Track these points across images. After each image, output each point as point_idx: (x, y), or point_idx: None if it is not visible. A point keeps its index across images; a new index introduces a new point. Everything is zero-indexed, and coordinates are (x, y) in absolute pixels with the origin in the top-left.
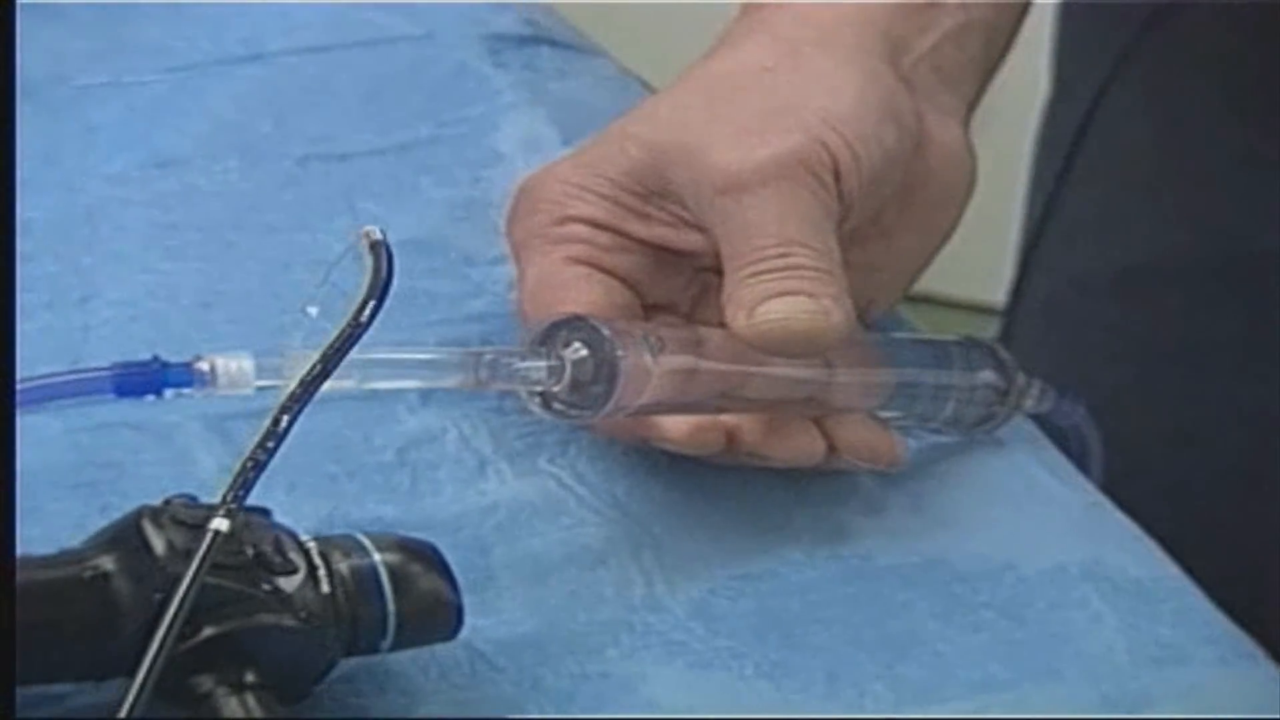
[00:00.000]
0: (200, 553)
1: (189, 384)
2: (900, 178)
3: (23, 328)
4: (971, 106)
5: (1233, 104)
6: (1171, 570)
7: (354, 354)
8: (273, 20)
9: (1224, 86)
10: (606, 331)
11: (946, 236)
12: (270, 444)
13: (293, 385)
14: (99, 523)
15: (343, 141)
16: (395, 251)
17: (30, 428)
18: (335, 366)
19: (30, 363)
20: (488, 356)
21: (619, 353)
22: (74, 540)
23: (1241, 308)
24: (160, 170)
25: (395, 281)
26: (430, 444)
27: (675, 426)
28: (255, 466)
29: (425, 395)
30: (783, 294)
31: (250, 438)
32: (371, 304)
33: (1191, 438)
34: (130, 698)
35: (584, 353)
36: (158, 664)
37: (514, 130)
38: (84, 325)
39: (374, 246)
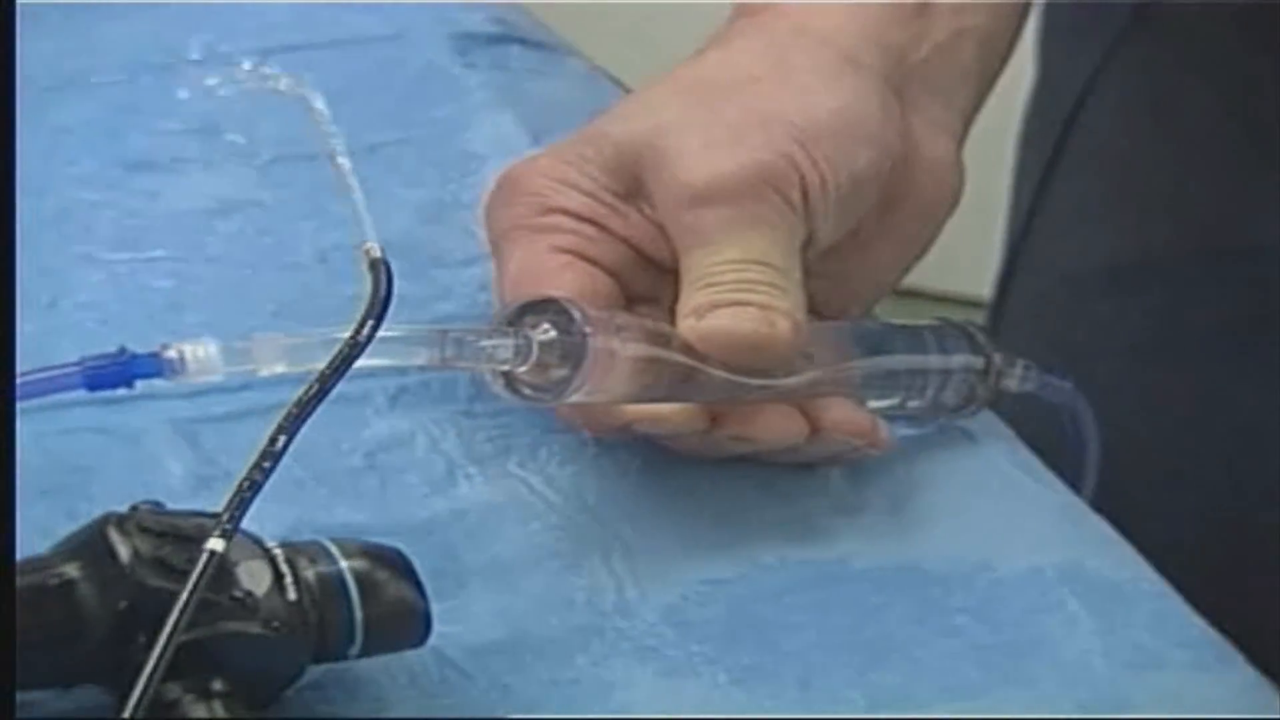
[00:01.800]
0: (196, 573)
1: (158, 373)
2: (876, 197)
3: None
4: (967, 117)
5: (1220, 98)
6: (1148, 573)
7: (319, 333)
8: (242, 20)
9: (1211, 80)
10: (576, 314)
11: (925, 248)
12: (267, 464)
13: (289, 405)
14: (67, 527)
15: (310, 143)
16: (363, 256)
17: None
18: (334, 386)
19: None
20: (454, 334)
21: (587, 332)
22: (42, 545)
23: (1233, 302)
24: (128, 172)
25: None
26: (399, 448)
27: (657, 405)
28: (252, 487)
29: (393, 398)
30: (733, 304)
31: (218, 442)
32: (370, 323)
33: (1182, 433)
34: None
35: (552, 334)
36: (153, 683)
37: (483, 131)
38: (52, 328)
39: (373, 265)
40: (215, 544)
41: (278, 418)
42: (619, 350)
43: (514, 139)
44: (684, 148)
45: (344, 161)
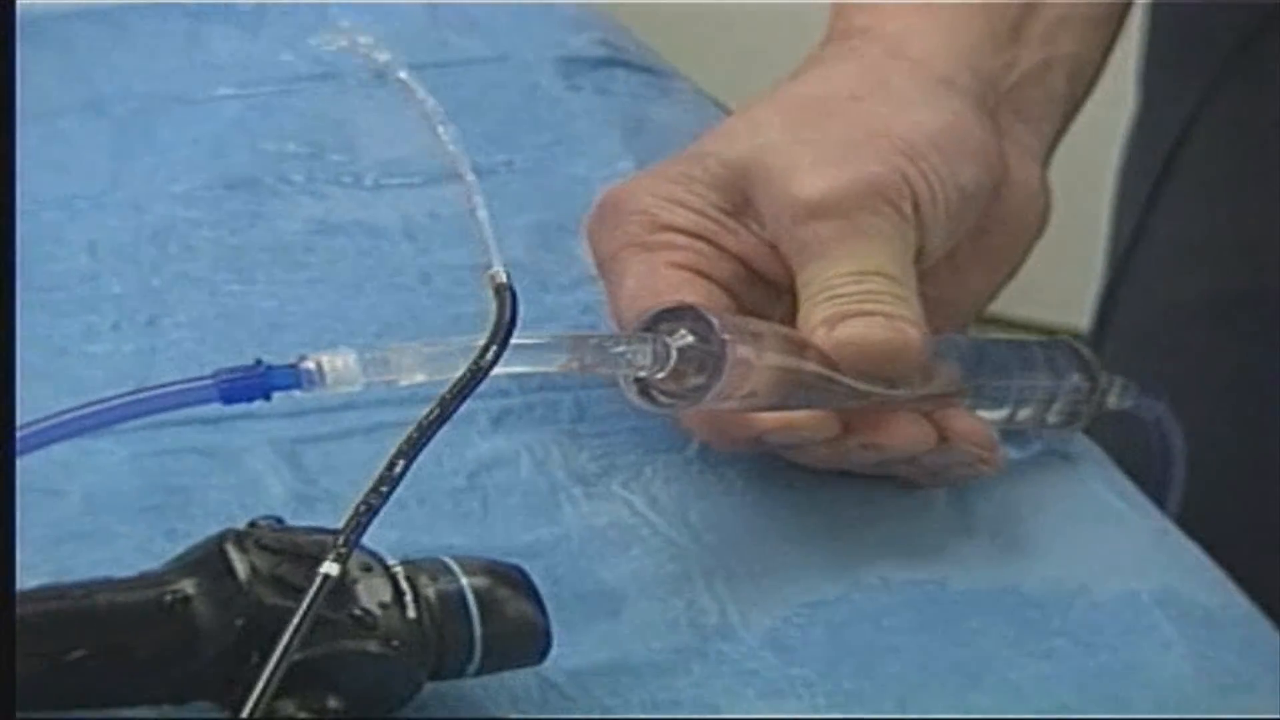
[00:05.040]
0: (309, 597)
1: (297, 385)
2: (977, 216)
3: (88, 349)
4: (1052, 144)
5: None
6: (1240, 599)
7: (459, 341)
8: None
9: None
10: (715, 321)
11: (1014, 272)
12: (384, 488)
13: (410, 429)
14: (165, 547)
15: (413, 165)
16: (467, 277)
17: (95, 452)
18: (455, 410)
19: (97, 385)
20: (592, 340)
21: (726, 339)
22: (141, 564)
23: None
24: (229, 191)
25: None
26: (502, 468)
27: (791, 413)
28: (369, 510)
29: (496, 419)
30: (860, 314)
31: (319, 462)
32: (494, 348)
33: None
34: None
35: (690, 339)
36: (263, 702)
37: (587, 154)
38: (151, 347)
39: (499, 290)
40: (330, 568)
41: (379, 438)
42: (754, 359)
43: (619, 163)
44: (794, 163)
45: (471, 178)
